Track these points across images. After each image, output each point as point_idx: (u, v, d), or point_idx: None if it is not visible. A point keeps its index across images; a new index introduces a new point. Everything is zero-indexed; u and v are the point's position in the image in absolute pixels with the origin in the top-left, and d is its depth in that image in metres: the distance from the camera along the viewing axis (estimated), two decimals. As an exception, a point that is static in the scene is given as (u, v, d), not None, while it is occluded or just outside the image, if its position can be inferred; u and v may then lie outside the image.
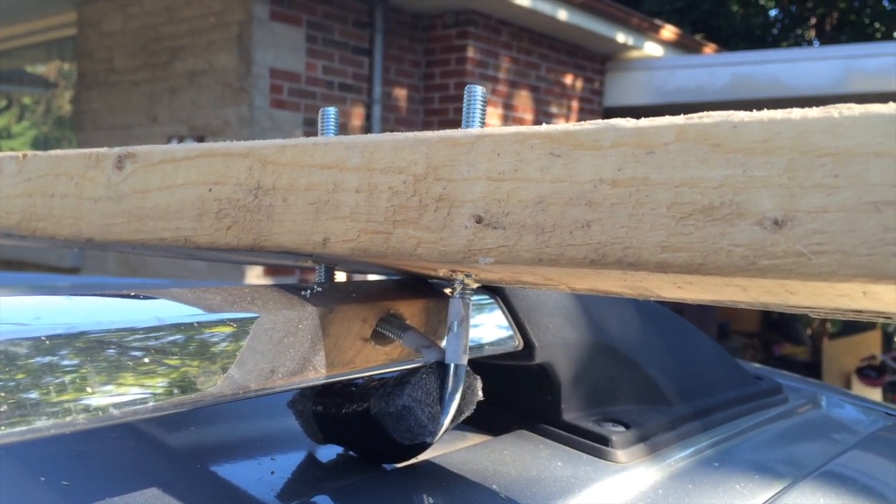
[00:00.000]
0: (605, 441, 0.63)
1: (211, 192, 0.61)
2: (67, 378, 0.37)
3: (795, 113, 0.39)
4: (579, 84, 6.67)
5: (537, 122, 6.35)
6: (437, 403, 0.54)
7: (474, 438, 0.65)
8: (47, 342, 0.37)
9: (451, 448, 0.61)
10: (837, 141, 0.37)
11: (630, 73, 6.79)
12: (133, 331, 0.41)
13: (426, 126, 6.06)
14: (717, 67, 6.42)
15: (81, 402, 0.37)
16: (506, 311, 0.63)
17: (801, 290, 0.40)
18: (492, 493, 0.54)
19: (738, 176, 0.39)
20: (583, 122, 0.46)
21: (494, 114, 6.04)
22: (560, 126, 0.46)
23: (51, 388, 0.36)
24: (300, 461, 0.59)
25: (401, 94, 6.00)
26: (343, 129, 5.68)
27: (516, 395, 0.68)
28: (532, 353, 0.63)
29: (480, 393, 0.58)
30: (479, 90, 0.56)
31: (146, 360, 0.40)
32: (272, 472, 0.56)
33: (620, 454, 0.63)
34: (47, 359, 0.37)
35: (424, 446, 0.56)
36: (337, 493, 0.53)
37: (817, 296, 0.41)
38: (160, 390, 0.40)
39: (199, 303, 0.46)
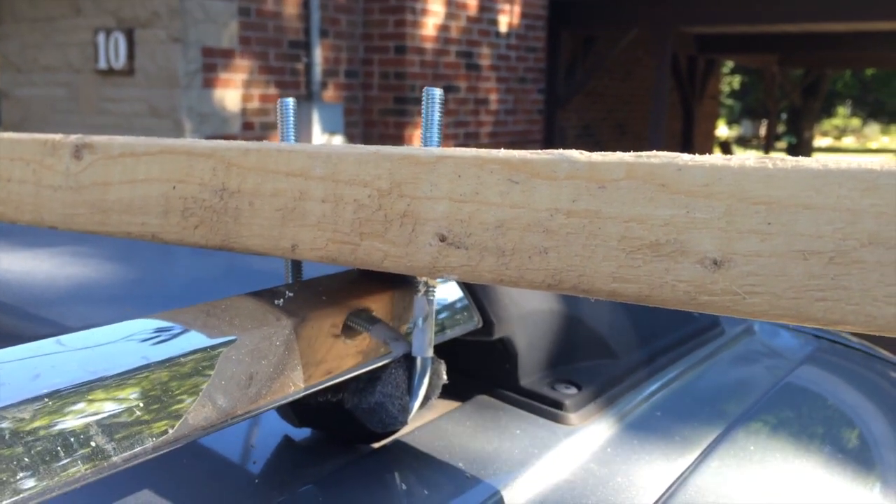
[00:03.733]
0: (559, 405, 0.69)
1: (175, 190, 0.63)
2: (71, 434, 0.40)
3: (734, 161, 0.42)
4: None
5: (481, 7, 6.20)
6: (406, 395, 0.59)
7: (439, 407, 0.70)
8: (49, 402, 0.40)
9: (417, 422, 0.66)
10: (771, 191, 0.41)
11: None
12: (125, 374, 0.44)
13: (366, 13, 5.88)
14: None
15: (86, 455, 0.40)
16: (465, 291, 0.67)
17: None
18: (457, 470, 0.60)
19: (681, 216, 0.43)
20: (538, 151, 0.48)
21: (437, -1, 5.87)
22: (517, 153, 0.48)
23: (58, 446, 0.39)
24: (278, 444, 0.63)
25: (339, -21, 5.77)
26: (279, 17, 5.47)
27: (477, 364, 0.73)
28: (491, 329, 0.67)
29: (445, 376, 0.63)
30: (436, 93, 0.57)
31: (140, 403, 0.43)
32: (254, 462, 0.61)
33: (573, 417, 0.69)
34: (51, 418, 0.40)
35: (395, 430, 0.61)
36: (318, 480, 0.58)
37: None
38: (156, 430, 0.43)
39: (180, 331, 0.48)
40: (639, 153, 0.45)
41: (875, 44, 8.89)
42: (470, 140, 6.28)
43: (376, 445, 0.62)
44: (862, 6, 6.47)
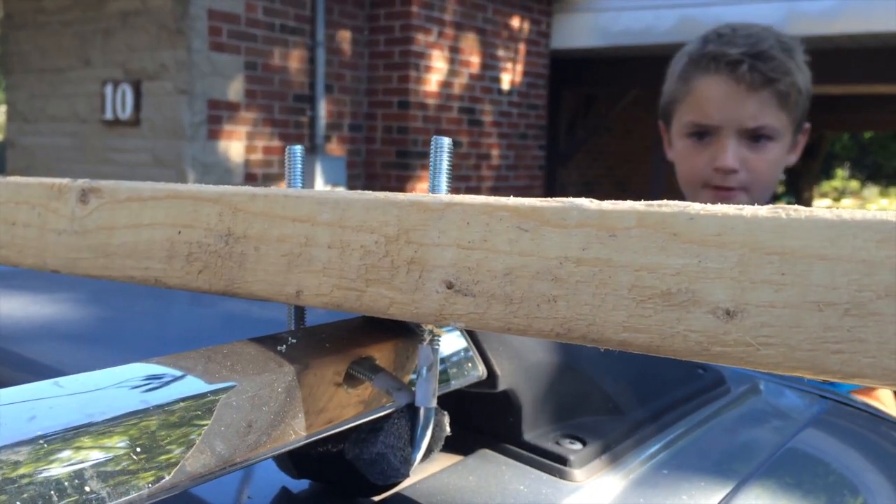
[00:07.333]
0: (563, 461, 0.68)
1: (181, 235, 0.62)
2: (65, 478, 0.39)
3: (747, 210, 0.42)
4: (526, 26, 6.62)
5: (484, 65, 6.31)
6: (408, 446, 0.58)
7: (441, 460, 0.68)
8: (45, 444, 0.39)
9: (419, 475, 0.65)
10: (784, 241, 0.40)
11: (576, 14, 6.77)
12: (123, 418, 0.43)
13: (371, 69, 5.98)
14: (662, 10, 6.43)
15: (80, 500, 0.39)
16: (469, 342, 0.66)
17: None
18: (461, 526, 0.58)
19: (693, 266, 0.42)
20: (548, 199, 0.48)
21: (441, 57, 5.98)
22: (527, 201, 0.48)
23: (52, 490, 0.38)
24: (275, 495, 0.62)
25: (345, 36, 5.88)
26: (285, 72, 5.56)
27: (479, 417, 0.72)
28: (495, 381, 0.66)
29: (448, 428, 0.62)
30: (445, 142, 0.57)
31: (137, 448, 0.42)
32: (253, 513, 0.59)
33: (578, 473, 0.67)
34: (45, 460, 0.39)
35: (397, 482, 0.60)
36: (316, 533, 0.56)
37: (763, 370, 0.45)
38: (153, 476, 0.42)
39: (180, 376, 0.48)
40: (650, 202, 0.45)
41: (873, 107, 9.01)
42: (472, 194, 6.33)
43: (376, 498, 0.61)
44: (860, 70, 6.59)
